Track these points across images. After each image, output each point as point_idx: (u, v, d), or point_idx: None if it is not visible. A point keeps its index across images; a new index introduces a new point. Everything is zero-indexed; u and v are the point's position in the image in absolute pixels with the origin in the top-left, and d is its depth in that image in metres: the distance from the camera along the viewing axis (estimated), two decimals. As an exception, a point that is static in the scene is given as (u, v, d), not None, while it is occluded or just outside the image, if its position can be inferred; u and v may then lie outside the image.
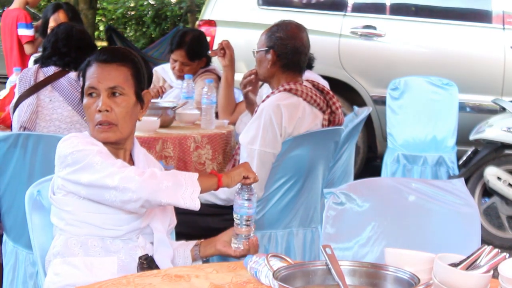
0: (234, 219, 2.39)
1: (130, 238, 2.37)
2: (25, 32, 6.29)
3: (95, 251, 2.34)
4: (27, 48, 6.31)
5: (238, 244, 2.40)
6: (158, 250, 2.40)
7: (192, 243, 2.53)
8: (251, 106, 3.80)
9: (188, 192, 2.27)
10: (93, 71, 2.40)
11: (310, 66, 4.56)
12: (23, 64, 6.14)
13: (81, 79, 2.46)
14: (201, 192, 2.30)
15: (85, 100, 2.41)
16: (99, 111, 2.36)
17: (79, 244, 2.34)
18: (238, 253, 2.41)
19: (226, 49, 4.14)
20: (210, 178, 2.38)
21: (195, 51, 4.64)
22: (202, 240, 2.53)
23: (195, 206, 2.28)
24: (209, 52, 4.65)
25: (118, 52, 2.48)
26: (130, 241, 2.37)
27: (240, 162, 3.32)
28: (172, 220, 2.51)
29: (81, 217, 2.34)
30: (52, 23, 5.12)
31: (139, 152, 2.50)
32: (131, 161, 2.46)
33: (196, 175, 2.32)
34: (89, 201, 2.32)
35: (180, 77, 4.61)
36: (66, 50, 3.64)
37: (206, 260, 2.66)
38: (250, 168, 2.42)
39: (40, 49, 4.19)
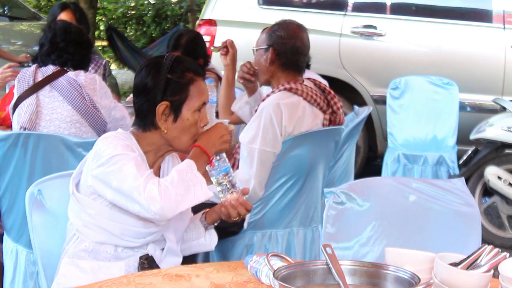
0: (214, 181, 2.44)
1: (141, 247, 2.38)
2: None
3: (105, 257, 2.35)
4: None
5: (224, 195, 2.44)
6: (166, 259, 2.41)
7: (199, 214, 2.56)
8: (253, 88, 3.83)
9: (198, 189, 2.29)
10: (202, 87, 2.44)
11: (307, 66, 4.55)
12: None
13: (173, 93, 2.42)
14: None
15: (194, 116, 2.41)
16: (203, 125, 2.45)
17: (90, 248, 2.35)
18: (228, 207, 2.43)
19: (229, 48, 4.14)
20: (202, 158, 2.39)
21: (191, 53, 4.63)
22: (207, 210, 2.56)
23: (209, 196, 2.32)
24: (212, 47, 4.63)
25: None
26: (140, 249, 2.38)
27: (240, 161, 3.32)
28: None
29: (102, 224, 2.34)
30: None
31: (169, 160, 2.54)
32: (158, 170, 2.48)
33: (194, 165, 2.33)
34: (113, 209, 2.32)
35: None
36: (64, 45, 3.63)
37: (206, 259, 2.66)
38: (223, 127, 2.47)
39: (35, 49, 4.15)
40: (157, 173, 2.46)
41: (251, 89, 3.82)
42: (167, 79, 2.39)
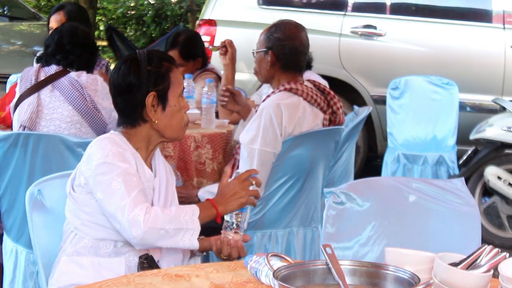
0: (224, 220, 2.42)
1: None
2: None
3: (106, 253, 2.36)
4: None
5: (225, 231, 2.41)
6: (165, 256, 2.41)
7: None
8: (244, 111, 3.79)
9: (187, 235, 2.29)
10: (179, 75, 2.48)
11: (309, 66, 4.55)
12: None
13: (157, 83, 2.44)
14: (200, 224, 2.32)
15: (180, 101, 2.46)
16: (185, 111, 2.49)
17: (90, 244, 2.35)
18: (224, 244, 2.40)
19: (228, 47, 4.13)
20: (210, 211, 2.37)
21: (189, 51, 4.64)
22: (202, 237, 2.53)
23: (194, 247, 2.31)
24: (211, 46, 4.64)
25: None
26: None
27: (240, 162, 3.32)
28: None
29: (98, 220, 2.35)
30: (52, 24, 5.08)
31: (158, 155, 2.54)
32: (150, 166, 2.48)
33: (197, 212, 2.32)
34: None
35: None
36: (71, 47, 3.62)
37: (205, 259, 2.66)
38: (245, 189, 2.43)
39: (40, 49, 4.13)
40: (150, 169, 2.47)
41: (243, 111, 3.77)
42: (148, 71, 2.43)
